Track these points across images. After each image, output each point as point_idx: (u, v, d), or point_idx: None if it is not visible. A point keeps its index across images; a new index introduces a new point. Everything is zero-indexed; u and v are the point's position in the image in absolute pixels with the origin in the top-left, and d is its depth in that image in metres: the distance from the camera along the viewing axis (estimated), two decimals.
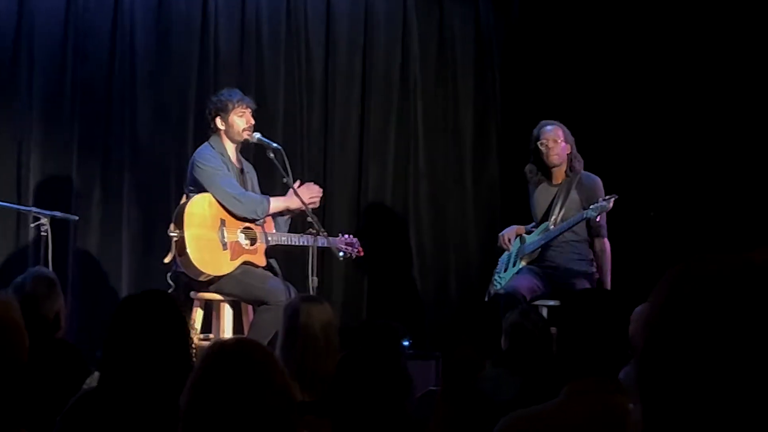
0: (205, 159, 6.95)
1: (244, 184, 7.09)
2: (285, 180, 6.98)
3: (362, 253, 7.38)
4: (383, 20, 8.93)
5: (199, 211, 6.87)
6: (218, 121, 7.02)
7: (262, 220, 7.03)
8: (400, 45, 8.98)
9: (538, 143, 7.35)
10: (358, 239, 7.39)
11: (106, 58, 8.04)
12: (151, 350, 3.38)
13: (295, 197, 6.97)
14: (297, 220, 7.22)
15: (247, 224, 6.99)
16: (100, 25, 8.03)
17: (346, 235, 7.35)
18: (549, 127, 7.38)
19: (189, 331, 3.54)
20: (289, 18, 8.59)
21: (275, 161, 6.98)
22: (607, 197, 7.10)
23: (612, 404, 3.00)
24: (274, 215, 7.12)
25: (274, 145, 6.99)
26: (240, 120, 7.01)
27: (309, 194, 7.08)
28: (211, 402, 2.61)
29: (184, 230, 6.79)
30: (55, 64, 7.91)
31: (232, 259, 6.90)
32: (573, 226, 7.24)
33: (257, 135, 7.01)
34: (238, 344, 2.78)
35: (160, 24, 8.20)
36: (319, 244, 7.00)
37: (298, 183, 7.11)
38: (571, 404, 3.05)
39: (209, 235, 6.86)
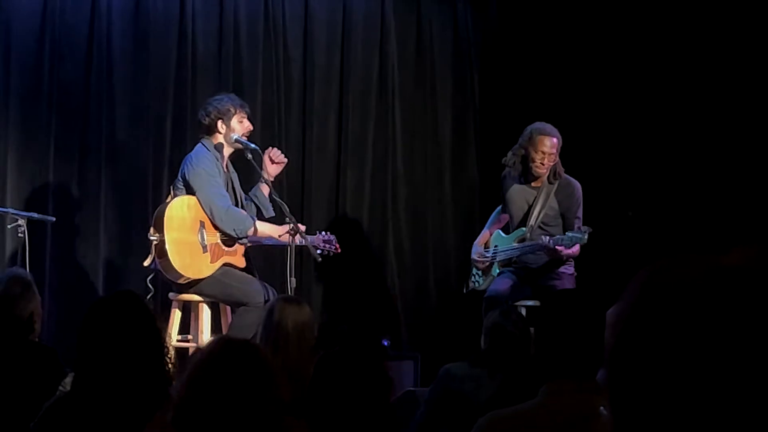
0: (201, 161, 6.91)
1: (229, 185, 7.07)
2: (263, 181, 6.98)
3: (339, 250, 7.36)
4: (361, 22, 8.93)
5: (179, 214, 6.85)
6: (220, 124, 6.98)
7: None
8: (378, 47, 8.98)
9: (533, 150, 7.21)
10: (336, 239, 7.38)
11: (84, 59, 8.01)
12: (122, 352, 3.37)
13: (282, 230, 6.93)
14: (276, 221, 7.20)
15: None
16: (77, 25, 8.00)
17: (324, 233, 7.33)
18: (549, 139, 7.16)
19: (160, 332, 3.52)
20: (267, 20, 8.58)
21: (253, 162, 6.97)
22: (584, 229, 7.03)
23: (589, 405, 3.01)
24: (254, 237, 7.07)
25: (252, 146, 6.98)
26: (239, 126, 7.00)
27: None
28: (210, 393, 2.61)
29: (164, 234, 6.77)
30: (31, 65, 7.88)
31: (212, 262, 6.89)
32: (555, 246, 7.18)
33: (235, 136, 6.99)
34: (246, 344, 2.80)
35: (138, 25, 8.17)
36: (297, 243, 6.99)
37: (267, 190, 7.12)
38: (549, 404, 3.05)
39: (189, 238, 6.84)
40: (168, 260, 6.76)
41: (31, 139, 7.86)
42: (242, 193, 7.20)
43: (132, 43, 8.16)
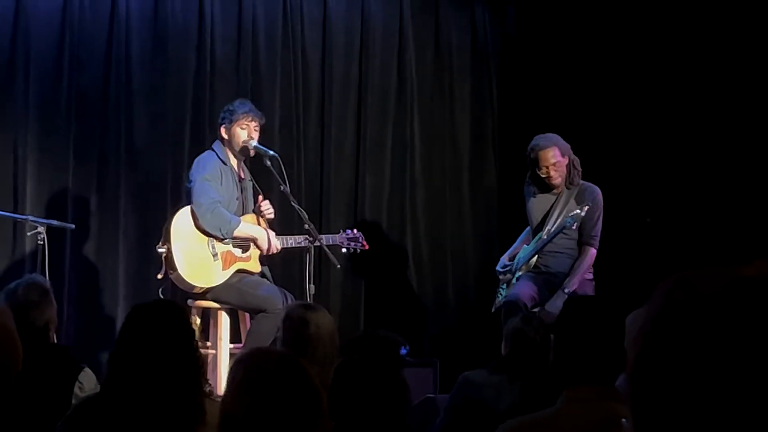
0: (200, 166, 6.93)
1: (241, 192, 7.06)
2: (282, 188, 6.97)
3: (367, 247, 7.29)
4: (380, 28, 8.94)
5: (184, 224, 6.84)
6: (222, 129, 7.00)
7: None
8: (397, 53, 8.98)
9: (537, 167, 7.26)
10: (363, 235, 7.31)
11: (102, 66, 8.02)
12: (158, 359, 3.38)
13: (265, 233, 6.90)
14: (294, 228, 7.20)
15: None
16: (96, 32, 8.01)
17: (348, 231, 7.28)
18: (547, 151, 7.22)
19: (197, 342, 3.54)
20: (285, 26, 8.59)
21: (272, 169, 6.97)
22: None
23: (609, 412, 3.00)
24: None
25: (271, 152, 6.98)
26: (242, 132, 6.96)
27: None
28: (262, 408, 2.62)
29: (171, 245, 6.77)
30: (51, 72, 7.89)
31: (224, 269, 6.87)
32: (557, 234, 7.20)
33: (253, 143, 6.98)
34: (296, 361, 2.81)
35: (156, 31, 8.18)
36: (321, 243, 6.94)
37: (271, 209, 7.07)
38: (569, 411, 3.04)
39: (197, 246, 6.83)
40: (177, 272, 6.76)
41: (50, 146, 7.88)
42: (251, 201, 7.17)
43: (150, 50, 8.17)
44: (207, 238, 6.85)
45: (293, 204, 7.01)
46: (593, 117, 8.81)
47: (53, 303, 5.01)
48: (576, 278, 7.19)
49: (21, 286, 5.00)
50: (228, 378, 2.97)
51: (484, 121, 9.21)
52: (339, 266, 7.09)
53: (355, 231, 7.27)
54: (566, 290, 7.09)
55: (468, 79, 9.21)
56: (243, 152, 7.03)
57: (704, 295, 1.27)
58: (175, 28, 8.24)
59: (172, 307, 3.60)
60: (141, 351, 3.41)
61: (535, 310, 7.07)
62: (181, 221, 6.86)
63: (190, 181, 6.96)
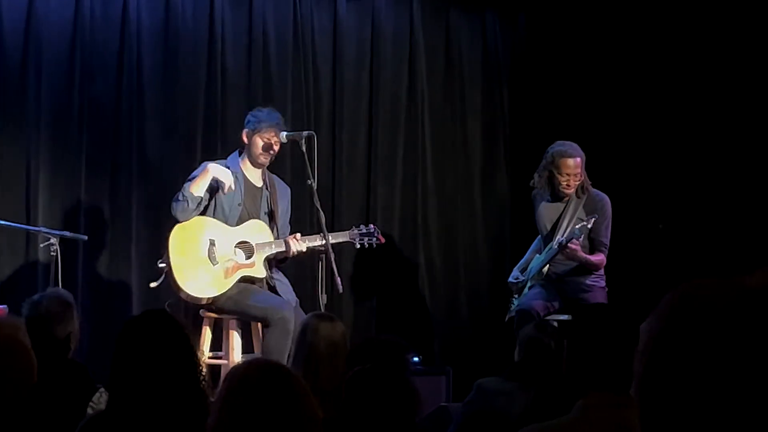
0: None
1: (254, 202, 7.02)
2: (309, 182, 6.89)
3: (383, 240, 7.23)
4: (390, 37, 8.94)
5: (182, 236, 6.82)
6: (245, 133, 7.00)
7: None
8: (408, 61, 8.99)
9: (557, 173, 7.23)
10: (377, 229, 7.25)
11: (114, 77, 8.03)
12: (155, 370, 3.38)
13: (215, 168, 6.84)
14: (306, 227, 7.19)
15: (242, 239, 6.93)
16: (107, 43, 8.02)
17: (361, 226, 7.20)
18: (571, 160, 7.19)
19: (193, 348, 3.52)
20: (296, 35, 8.60)
21: (305, 154, 6.91)
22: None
23: (625, 419, 2.99)
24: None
25: (305, 133, 6.95)
26: (261, 143, 6.96)
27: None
28: (244, 418, 2.62)
29: (170, 259, 6.76)
30: (62, 83, 7.89)
31: (226, 277, 6.82)
32: (567, 243, 7.19)
33: (283, 134, 6.94)
34: (276, 366, 2.79)
35: (167, 42, 8.19)
36: (332, 241, 6.87)
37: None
38: (586, 419, 3.04)
39: (196, 258, 6.80)
40: (179, 286, 6.75)
41: (62, 158, 7.88)
42: (287, 220, 7.14)
43: (162, 60, 8.18)
44: (207, 247, 6.82)
45: (316, 205, 6.92)
46: (604, 123, 8.80)
47: (75, 316, 5.02)
48: (579, 255, 7.14)
49: (45, 298, 5.02)
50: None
51: (496, 128, 9.21)
52: (341, 291, 6.99)
53: (371, 225, 7.20)
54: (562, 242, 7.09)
55: (479, 87, 9.21)
56: (258, 162, 6.99)
57: (709, 307, 1.28)
58: (186, 39, 8.25)
59: (160, 315, 3.58)
60: (136, 364, 3.41)
61: (548, 318, 7.07)
62: (180, 234, 6.85)
63: None
